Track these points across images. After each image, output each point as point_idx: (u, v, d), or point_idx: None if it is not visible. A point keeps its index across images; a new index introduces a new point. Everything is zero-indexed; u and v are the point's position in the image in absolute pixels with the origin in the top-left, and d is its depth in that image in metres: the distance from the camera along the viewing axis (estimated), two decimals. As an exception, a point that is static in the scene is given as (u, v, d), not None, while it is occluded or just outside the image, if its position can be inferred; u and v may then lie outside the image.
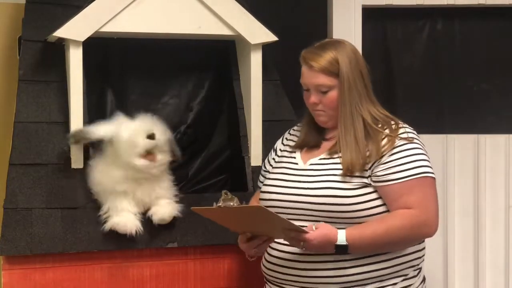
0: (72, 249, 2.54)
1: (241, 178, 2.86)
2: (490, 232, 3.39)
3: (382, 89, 3.33)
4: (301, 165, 2.42)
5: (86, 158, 2.63)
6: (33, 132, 2.64)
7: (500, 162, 3.39)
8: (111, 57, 2.87)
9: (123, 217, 2.55)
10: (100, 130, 2.54)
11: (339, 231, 2.24)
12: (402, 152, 2.31)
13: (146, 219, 2.60)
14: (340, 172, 2.31)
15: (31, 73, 2.70)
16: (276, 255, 2.39)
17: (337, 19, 3.40)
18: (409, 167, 2.29)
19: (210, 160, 2.97)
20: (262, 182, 2.55)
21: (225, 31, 2.78)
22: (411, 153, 2.31)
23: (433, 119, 3.52)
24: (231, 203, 2.26)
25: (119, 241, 2.57)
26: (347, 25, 3.40)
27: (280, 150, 2.58)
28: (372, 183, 2.30)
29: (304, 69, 2.40)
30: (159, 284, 2.67)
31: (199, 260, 2.71)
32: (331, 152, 2.37)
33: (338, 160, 2.34)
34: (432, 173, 2.33)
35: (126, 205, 2.56)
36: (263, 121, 2.86)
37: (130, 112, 2.64)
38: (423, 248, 2.40)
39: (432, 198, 2.31)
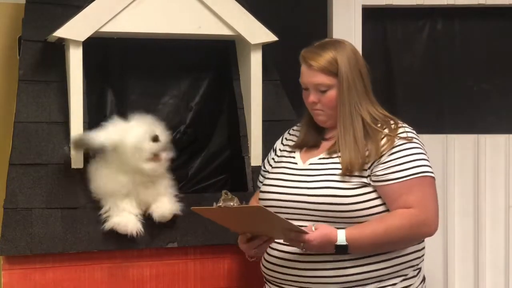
0: (72, 249, 2.54)
1: (241, 178, 2.86)
2: (490, 232, 3.39)
3: (382, 89, 3.34)
4: (300, 165, 2.42)
5: (86, 158, 2.63)
6: (33, 132, 2.64)
7: (500, 162, 3.39)
8: (111, 57, 2.87)
9: (124, 218, 2.55)
10: (101, 137, 2.52)
11: (338, 231, 2.24)
12: (402, 152, 2.30)
13: (146, 219, 2.60)
14: (339, 171, 2.31)
15: (31, 73, 2.70)
16: (276, 255, 2.39)
17: (337, 19, 3.40)
18: (409, 167, 2.29)
19: (210, 160, 2.97)
20: (261, 182, 2.55)
21: (225, 31, 2.78)
22: (410, 152, 2.31)
23: (433, 119, 3.52)
24: (231, 203, 2.26)
25: (119, 241, 2.57)
26: (347, 25, 3.40)
27: (279, 150, 2.58)
28: (372, 183, 2.30)
29: (304, 68, 2.40)
30: (159, 284, 2.67)
31: (199, 260, 2.71)
32: (331, 152, 2.37)
33: (337, 160, 2.34)
34: (432, 172, 2.33)
35: (127, 205, 2.56)
36: (263, 121, 2.86)
37: (130, 112, 2.63)
38: (423, 248, 2.40)
39: (431, 198, 2.31)
